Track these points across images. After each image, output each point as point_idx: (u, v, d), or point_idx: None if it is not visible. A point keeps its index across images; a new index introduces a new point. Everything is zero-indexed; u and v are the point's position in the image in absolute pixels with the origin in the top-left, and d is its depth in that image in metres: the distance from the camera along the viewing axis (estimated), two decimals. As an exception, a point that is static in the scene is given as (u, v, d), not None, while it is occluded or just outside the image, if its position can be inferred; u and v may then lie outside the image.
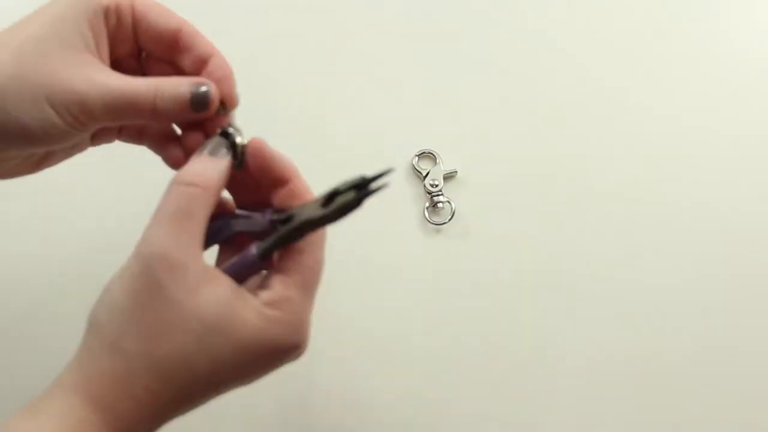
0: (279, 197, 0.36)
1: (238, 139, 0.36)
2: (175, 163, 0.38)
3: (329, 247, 0.54)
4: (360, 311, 0.53)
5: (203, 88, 0.35)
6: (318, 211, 0.34)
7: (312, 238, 0.35)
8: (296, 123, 0.58)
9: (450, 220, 0.55)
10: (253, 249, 0.34)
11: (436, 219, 0.55)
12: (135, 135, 0.40)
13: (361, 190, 0.34)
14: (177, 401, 0.32)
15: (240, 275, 0.34)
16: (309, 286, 0.34)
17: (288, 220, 0.35)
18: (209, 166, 0.34)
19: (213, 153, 0.35)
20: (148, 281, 0.31)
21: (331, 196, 0.34)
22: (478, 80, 0.60)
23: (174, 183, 0.33)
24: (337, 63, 0.61)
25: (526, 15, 0.63)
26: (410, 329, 0.53)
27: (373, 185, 0.34)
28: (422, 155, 0.57)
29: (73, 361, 0.32)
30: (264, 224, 0.36)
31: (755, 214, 0.56)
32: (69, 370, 0.32)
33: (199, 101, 0.35)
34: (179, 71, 0.38)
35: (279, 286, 0.34)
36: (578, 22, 0.63)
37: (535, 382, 0.51)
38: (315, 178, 0.56)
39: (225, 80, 0.37)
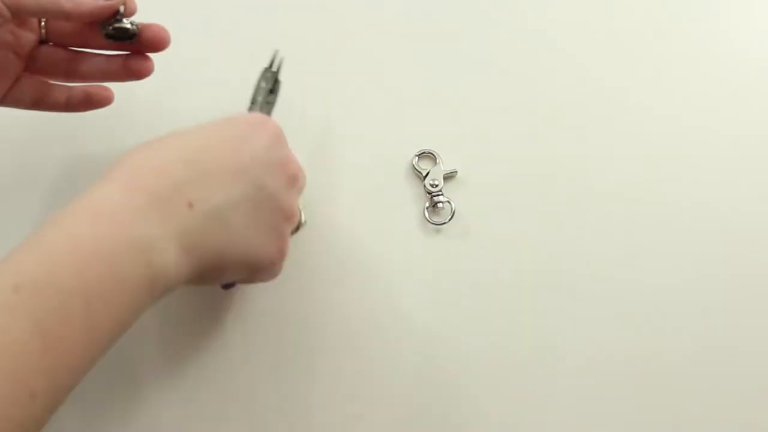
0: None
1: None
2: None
3: (330, 247, 0.54)
4: (360, 311, 0.53)
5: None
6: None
7: None
8: (296, 123, 0.57)
9: (450, 220, 0.55)
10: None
11: (436, 219, 0.55)
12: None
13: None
14: (177, 157, 0.39)
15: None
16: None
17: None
18: None
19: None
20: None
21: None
22: (478, 80, 0.60)
23: None
24: (337, 63, 0.61)
25: (527, 15, 0.64)
26: (410, 329, 0.53)
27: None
28: (422, 155, 0.57)
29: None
30: None
31: (755, 214, 0.56)
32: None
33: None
34: None
35: None
36: (578, 22, 0.63)
37: (535, 381, 0.51)
38: (316, 178, 0.56)
39: None
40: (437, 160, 0.57)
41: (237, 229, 0.40)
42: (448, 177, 0.56)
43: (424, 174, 0.56)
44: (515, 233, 0.55)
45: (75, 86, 0.50)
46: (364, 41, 0.62)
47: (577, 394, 0.51)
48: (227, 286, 0.50)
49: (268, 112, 0.50)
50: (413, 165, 0.57)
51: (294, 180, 0.45)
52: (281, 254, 0.44)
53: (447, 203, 0.55)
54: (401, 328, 0.53)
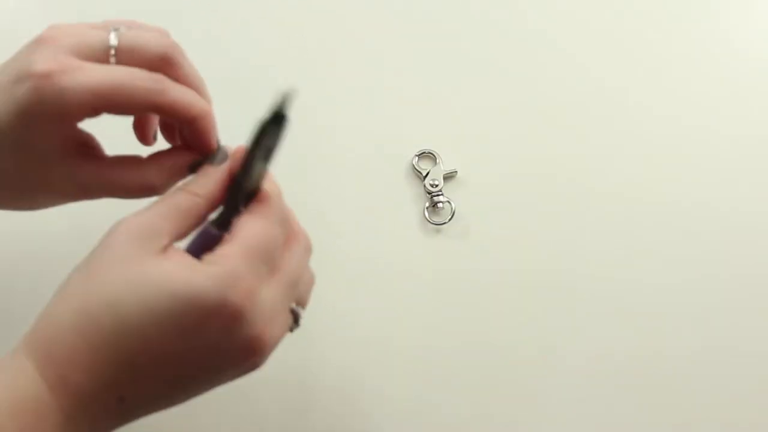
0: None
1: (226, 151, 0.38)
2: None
3: (331, 247, 0.54)
4: (360, 311, 0.53)
5: (197, 160, 0.38)
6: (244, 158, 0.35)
7: (259, 211, 0.35)
8: (296, 123, 0.57)
9: (450, 220, 0.55)
10: (207, 221, 0.35)
11: (436, 219, 0.55)
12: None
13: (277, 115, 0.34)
14: (111, 358, 0.32)
15: (197, 246, 0.35)
16: (250, 247, 0.33)
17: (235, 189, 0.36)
18: (208, 178, 0.36)
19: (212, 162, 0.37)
20: (109, 242, 0.33)
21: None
22: (478, 80, 0.60)
23: (178, 189, 0.35)
24: (337, 63, 0.61)
25: (527, 15, 0.64)
26: (410, 329, 0.53)
27: (284, 104, 0.34)
28: (422, 155, 0.57)
29: None
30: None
31: (755, 214, 0.56)
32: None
33: (195, 169, 0.38)
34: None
35: (220, 249, 0.33)
36: (578, 22, 0.63)
37: (535, 381, 0.51)
38: (316, 178, 0.56)
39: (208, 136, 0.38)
40: (437, 160, 0.57)
41: (187, 396, 0.35)
42: (448, 177, 0.56)
43: (424, 174, 0.56)
44: (515, 233, 0.55)
45: None
46: (364, 41, 0.62)
47: (577, 394, 0.51)
48: None
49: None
50: (413, 165, 0.57)
51: (260, 355, 0.35)
52: (229, 313, 0.33)
53: (447, 203, 0.55)
54: (401, 328, 0.53)
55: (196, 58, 0.60)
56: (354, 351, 0.52)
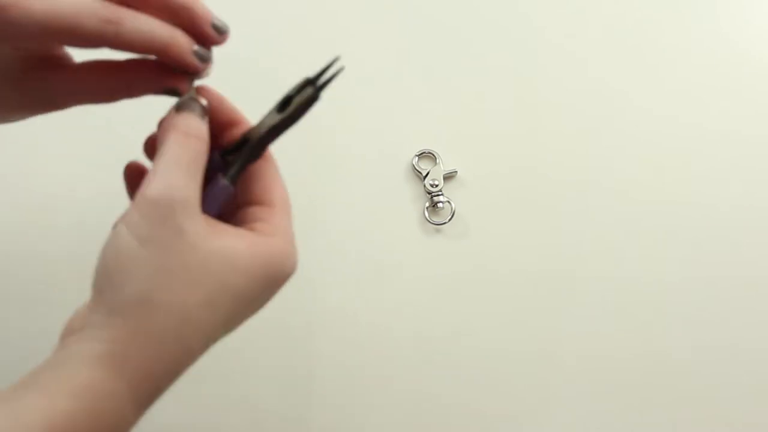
0: (230, 136, 0.37)
1: (203, 100, 0.36)
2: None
3: (331, 247, 0.54)
4: (359, 311, 0.53)
5: (174, 87, 0.36)
6: (277, 117, 0.35)
7: (270, 172, 0.37)
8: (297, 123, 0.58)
9: (450, 220, 0.55)
10: (221, 179, 0.35)
11: (436, 219, 0.55)
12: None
13: (314, 86, 0.35)
14: (198, 347, 0.32)
15: (216, 206, 0.35)
16: (290, 215, 0.36)
17: (242, 144, 0.36)
18: (200, 122, 0.35)
19: (194, 110, 0.35)
20: (170, 226, 0.31)
21: (285, 103, 0.35)
22: (478, 80, 0.60)
23: (177, 132, 0.33)
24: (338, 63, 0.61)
25: (527, 15, 0.63)
26: (410, 329, 0.53)
27: (324, 77, 0.35)
28: (422, 155, 0.57)
29: (81, 330, 0.31)
30: (216, 161, 0.36)
31: (755, 214, 0.56)
32: (80, 339, 0.30)
33: (171, 93, 0.36)
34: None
35: (269, 218, 0.35)
36: (578, 21, 0.63)
37: (535, 380, 0.51)
38: (316, 178, 0.56)
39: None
40: (437, 160, 0.57)
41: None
42: (448, 177, 0.56)
43: (424, 174, 0.56)
44: (515, 233, 0.55)
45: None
46: (363, 41, 0.62)
47: (577, 393, 0.51)
48: None
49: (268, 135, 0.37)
50: (413, 165, 0.57)
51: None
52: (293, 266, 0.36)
53: (447, 203, 0.55)
54: (401, 328, 0.53)
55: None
56: (354, 350, 0.52)
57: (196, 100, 0.35)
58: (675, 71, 0.61)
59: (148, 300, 0.30)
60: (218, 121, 0.36)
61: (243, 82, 0.55)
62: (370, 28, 0.63)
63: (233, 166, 0.35)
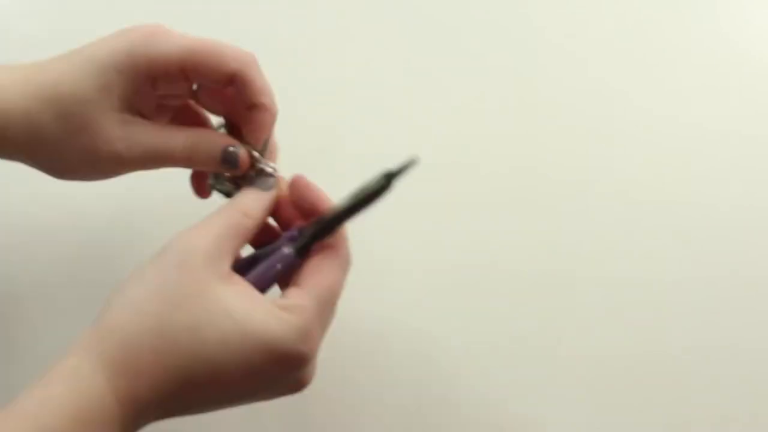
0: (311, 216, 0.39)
1: (276, 177, 0.39)
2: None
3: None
4: (359, 311, 0.53)
5: (231, 149, 0.38)
6: (350, 200, 0.36)
7: (334, 260, 0.37)
8: (294, 123, 0.58)
9: (446, 219, 0.55)
10: (285, 248, 0.36)
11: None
12: None
13: (389, 177, 0.36)
14: (179, 378, 0.33)
15: (272, 273, 0.36)
16: (323, 301, 0.36)
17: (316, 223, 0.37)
18: (259, 200, 0.38)
19: (261, 187, 0.38)
20: (180, 262, 0.34)
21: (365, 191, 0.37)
22: (477, 80, 0.60)
23: (231, 208, 0.36)
24: (332, 63, 0.62)
25: (527, 15, 0.63)
26: (409, 328, 0.53)
27: (397, 173, 0.36)
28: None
29: (92, 324, 0.33)
30: (293, 236, 0.38)
31: (754, 214, 0.56)
32: (86, 331, 0.33)
33: (229, 161, 0.38)
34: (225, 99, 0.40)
35: (294, 295, 0.35)
36: (578, 21, 0.63)
37: (535, 380, 0.51)
38: (316, 178, 0.56)
39: (262, 130, 0.39)
40: (435, 160, 0.56)
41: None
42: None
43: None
44: (514, 233, 0.55)
45: None
46: (363, 42, 0.62)
47: (577, 392, 0.51)
48: None
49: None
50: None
51: (309, 383, 0.37)
52: (303, 365, 0.35)
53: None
54: (400, 328, 0.53)
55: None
56: (352, 349, 0.52)
57: (263, 174, 0.39)
58: (675, 71, 0.61)
59: (137, 307, 0.33)
60: (302, 206, 0.39)
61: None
62: (369, 28, 0.63)
63: (304, 237, 0.37)
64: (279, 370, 0.34)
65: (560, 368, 0.52)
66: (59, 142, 0.37)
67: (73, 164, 0.38)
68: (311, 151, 0.58)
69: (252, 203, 0.37)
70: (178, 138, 0.38)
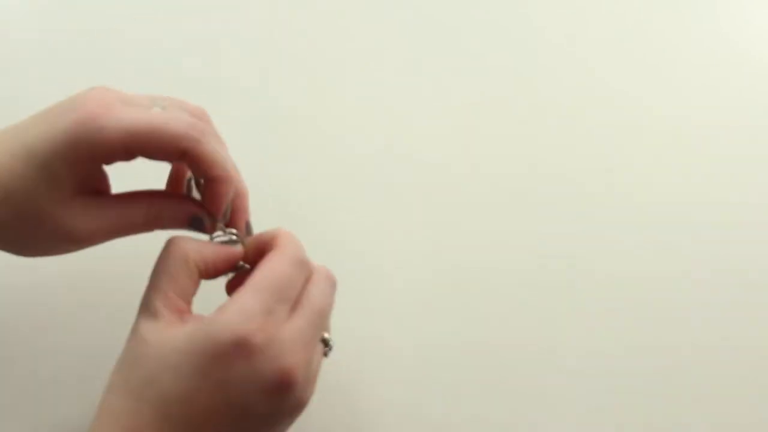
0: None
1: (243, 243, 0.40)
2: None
3: (329, 246, 0.54)
4: (358, 311, 0.53)
5: (197, 218, 0.39)
6: None
7: (272, 254, 0.37)
8: (290, 123, 0.58)
9: (446, 219, 0.55)
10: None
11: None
12: None
13: None
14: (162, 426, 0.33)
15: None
16: (260, 288, 0.35)
17: None
18: (220, 255, 0.38)
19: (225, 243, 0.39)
20: (133, 328, 0.35)
21: None
22: (477, 80, 0.60)
23: (170, 255, 0.36)
24: (333, 63, 0.62)
25: (527, 15, 0.64)
26: (408, 329, 0.53)
27: None
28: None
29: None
30: None
31: (755, 214, 0.56)
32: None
33: (196, 227, 0.39)
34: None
35: (232, 299, 0.35)
36: (578, 21, 0.63)
37: (534, 381, 0.51)
38: (315, 179, 0.56)
39: (220, 201, 0.39)
40: (433, 159, 0.57)
41: None
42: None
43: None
44: (513, 233, 0.55)
45: None
46: (362, 42, 0.62)
47: (577, 393, 0.51)
48: None
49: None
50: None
51: (292, 388, 0.35)
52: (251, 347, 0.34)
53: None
54: (399, 328, 0.53)
55: (194, 60, 0.60)
56: (352, 349, 0.52)
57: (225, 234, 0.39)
58: (675, 71, 0.61)
59: (109, 385, 0.35)
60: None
61: (242, 82, 0.56)
62: (369, 28, 0.63)
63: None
64: (235, 367, 0.33)
65: (560, 368, 0.52)
66: (19, 234, 0.37)
67: (37, 251, 0.39)
68: (311, 151, 0.58)
69: (206, 253, 0.37)
70: (140, 210, 0.38)
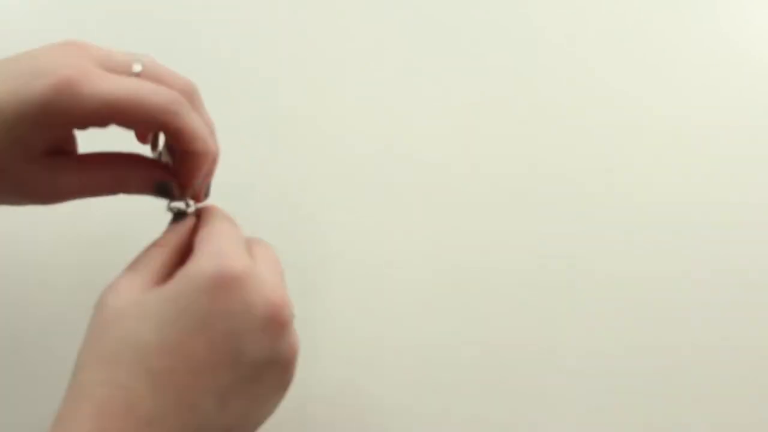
0: None
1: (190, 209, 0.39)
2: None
3: (329, 245, 0.55)
4: (358, 311, 0.53)
5: (163, 183, 0.38)
6: None
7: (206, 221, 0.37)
8: (287, 123, 0.58)
9: (446, 219, 0.55)
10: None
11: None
12: None
13: None
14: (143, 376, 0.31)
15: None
16: (220, 233, 0.35)
17: None
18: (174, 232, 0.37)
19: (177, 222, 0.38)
20: (94, 306, 0.33)
21: None
22: (477, 80, 0.60)
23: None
24: (333, 63, 0.62)
25: (527, 15, 0.63)
26: (408, 329, 0.53)
27: None
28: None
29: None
30: None
31: (755, 214, 0.56)
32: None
33: (163, 193, 0.38)
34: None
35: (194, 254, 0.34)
36: (578, 21, 0.63)
37: (534, 381, 0.51)
38: (315, 178, 0.56)
39: (193, 175, 0.38)
40: (430, 159, 0.57)
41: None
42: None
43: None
44: (512, 233, 0.55)
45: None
46: (362, 42, 0.62)
47: (577, 393, 0.51)
48: None
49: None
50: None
51: (286, 312, 0.34)
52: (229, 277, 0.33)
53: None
54: (399, 328, 0.53)
55: (194, 61, 0.60)
56: (352, 350, 0.52)
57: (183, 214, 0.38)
58: (675, 71, 0.61)
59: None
60: None
61: (242, 82, 0.56)
62: (369, 28, 0.63)
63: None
64: (223, 303, 0.32)
65: (560, 368, 0.52)
66: None
67: (1, 202, 0.38)
68: (311, 150, 0.58)
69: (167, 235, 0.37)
70: (105, 173, 0.37)
